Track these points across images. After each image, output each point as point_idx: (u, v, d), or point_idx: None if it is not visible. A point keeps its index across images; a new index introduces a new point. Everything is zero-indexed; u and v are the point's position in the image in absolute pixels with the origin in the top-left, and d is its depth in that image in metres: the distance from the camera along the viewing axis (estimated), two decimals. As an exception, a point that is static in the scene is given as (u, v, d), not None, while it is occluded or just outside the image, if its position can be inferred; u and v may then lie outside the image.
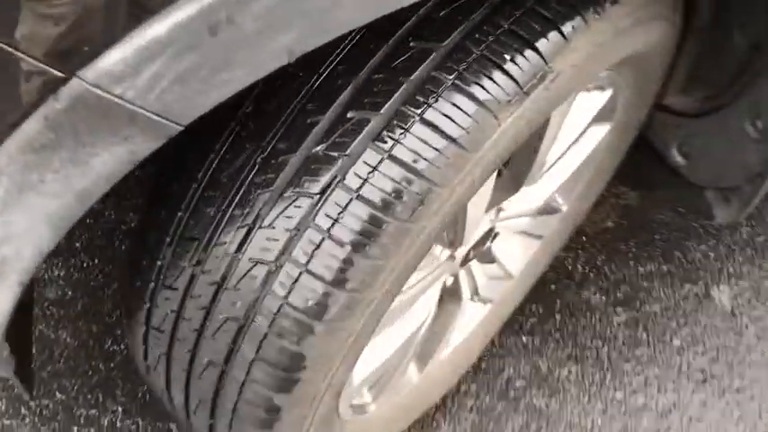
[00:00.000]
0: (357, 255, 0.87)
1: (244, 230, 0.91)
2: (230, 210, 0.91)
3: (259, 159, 0.90)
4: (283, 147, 0.89)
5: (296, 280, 0.89)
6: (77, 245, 1.87)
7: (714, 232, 2.02)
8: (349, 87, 0.88)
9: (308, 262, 0.88)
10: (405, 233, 0.89)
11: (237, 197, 0.91)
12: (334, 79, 0.89)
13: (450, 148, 0.87)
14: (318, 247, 0.88)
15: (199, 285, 0.95)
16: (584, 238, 1.97)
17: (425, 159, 0.86)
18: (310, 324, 0.90)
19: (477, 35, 0.88)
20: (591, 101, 1.27)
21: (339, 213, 0.87)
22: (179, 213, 0.95)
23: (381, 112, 0.86)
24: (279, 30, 0.69)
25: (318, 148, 0.88)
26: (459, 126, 0.87)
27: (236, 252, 0.91)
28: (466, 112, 0.87)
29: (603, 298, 1.89)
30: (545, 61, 0.90)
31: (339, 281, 0.88)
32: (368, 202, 0.86)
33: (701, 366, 1.80)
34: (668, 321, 1.87)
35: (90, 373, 1.68)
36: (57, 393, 1.64)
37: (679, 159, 1.52)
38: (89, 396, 1.65)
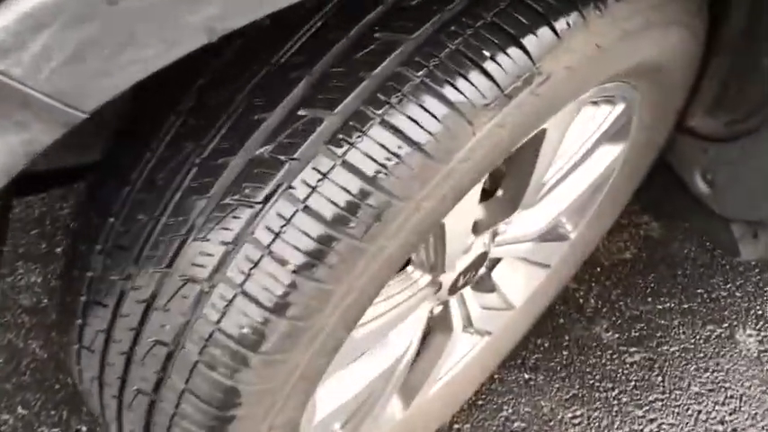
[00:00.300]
0: (301, 277, 0.75)
1: (177, 242, 0.79)
2: (164, 217, 0.80)
3: (197, 160, 0.79)
4: (225, 147, 0.78)
5: (230, 303, 0.77)
6: (58, 250, 1.77)
7: (742, 270, 1.87)
8: (302, 81, 0.76)
9: (245, 282, 0.76)
10: (358, 253, 0.76)
11: (172, 203, 0.80)
12: (288, 71, 0.78)
13: (415, 157, 0.74)
14: (256, 265, 0.75)
15: (128, 303, 0.83)
16: (598, 269, 1.84)
17: (385, 168, 0.74)
18: (245, 355, 0.78)
19: (453, 27, 0.76)
20: (599, 115, 1.13)
21: (282, 227, 0.75)
22: (110, 219, 0.84)
23: (336, 111, 0.74)
24: (193, 2, 0.58)
25: (263, 149, 0.76)
26: (426, 131, 0.74)
27: (167, 267, 0.79)
28: (434, 116, 0.74)
29: (616, 335, 1.75)
30: (532, 61, 0.77)
31: (279, 306, 0.76)
32: (316, 215, 0.74)
33: (722, 417, 1.66)
34: (686, 365, 1.72)
35: (56, 387, 1.58)
36: (19, 408, 1.54)
37: (703, 188, 1.39)
38: (53, 413, 1.55)
